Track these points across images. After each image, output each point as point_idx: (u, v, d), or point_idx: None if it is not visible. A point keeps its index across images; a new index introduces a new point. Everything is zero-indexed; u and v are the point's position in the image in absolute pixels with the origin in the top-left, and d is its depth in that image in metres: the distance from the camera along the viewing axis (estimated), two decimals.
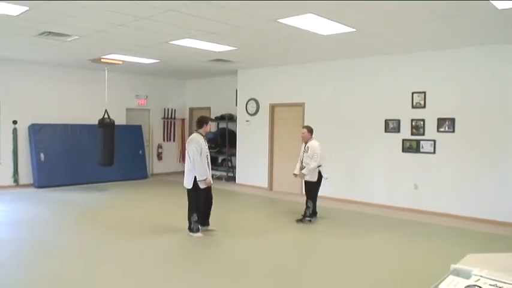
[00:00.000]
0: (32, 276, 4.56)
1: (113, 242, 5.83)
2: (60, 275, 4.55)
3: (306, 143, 7.17)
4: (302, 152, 7.22)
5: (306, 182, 7.25)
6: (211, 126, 12.60)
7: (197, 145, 5.93)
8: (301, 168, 7.18)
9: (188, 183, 6.01)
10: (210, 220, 6.40)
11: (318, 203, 7.37)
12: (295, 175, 7.34)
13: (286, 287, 4.32)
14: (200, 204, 6.13)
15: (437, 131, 7.80)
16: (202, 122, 6.11)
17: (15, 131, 10.20)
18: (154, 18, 5.79)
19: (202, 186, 5.98)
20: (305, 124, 9.24)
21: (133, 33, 6.78)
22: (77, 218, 7.27)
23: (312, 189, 7.18)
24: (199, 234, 6.08)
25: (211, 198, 6.32)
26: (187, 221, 6.17)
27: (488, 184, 7.28)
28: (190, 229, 6.12)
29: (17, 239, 6.03)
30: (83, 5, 5.24)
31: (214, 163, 12.65)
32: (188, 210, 6.14)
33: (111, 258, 5.17)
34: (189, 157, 5.97)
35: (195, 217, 6.09)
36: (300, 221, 7.10)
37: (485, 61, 7.30)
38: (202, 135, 6.10)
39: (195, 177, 5.94)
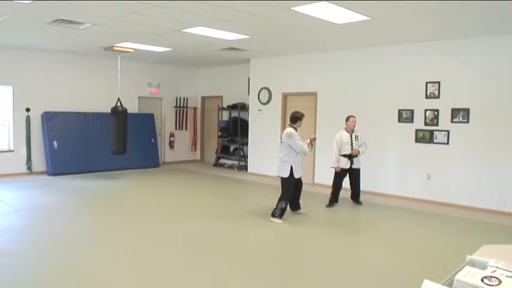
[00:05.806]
0: (48, 262, 4.62)
1: (129, 229, 5.88)
2: (76, 262, 4.60)
3: (352, 131, 7.43)
4: (349, 140, 7.38)
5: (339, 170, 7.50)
6: (226, 116, 12.76)
7: (298, 136, 6.38)
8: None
9: (284, 173, 6.42)
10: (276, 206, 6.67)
11: None
12: (339, 169, 7.44)
13: (305, 271, 4.33)
14: (292, 192, 6.57)
15: (451, 121, 7.70)
16: (296, 118, 6.50)
17: (28, 118, 10.29)
18: (167, 5, 5.77)
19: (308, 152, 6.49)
20: (316, 113, 9.23)
21: (146, 21, 6.77)
22: (91, 205, 7.35)
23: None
24: (280, 221, 6.34)
25: (301, 185, 6.80)
26: (275, 206, 6.45)
27: (503, 175, 7.18)
28: (274, 214, 6.40)
29: (32, 225, 6.10)
30: None
31: (226, 152, 12.73)
32: (281, 197, 6.47)
33: (128, 244, 5.21)
34: (285, 148, 6.38)
35: (283, 204, 6.42)
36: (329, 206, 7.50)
37: (501, 51, 7.16)
38: (295, 129, 6.47)
39: (291, 167, 6.36)
